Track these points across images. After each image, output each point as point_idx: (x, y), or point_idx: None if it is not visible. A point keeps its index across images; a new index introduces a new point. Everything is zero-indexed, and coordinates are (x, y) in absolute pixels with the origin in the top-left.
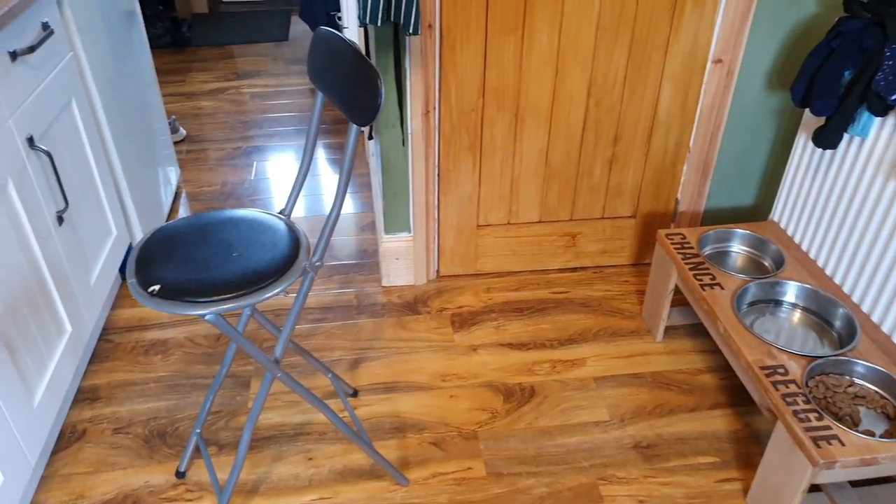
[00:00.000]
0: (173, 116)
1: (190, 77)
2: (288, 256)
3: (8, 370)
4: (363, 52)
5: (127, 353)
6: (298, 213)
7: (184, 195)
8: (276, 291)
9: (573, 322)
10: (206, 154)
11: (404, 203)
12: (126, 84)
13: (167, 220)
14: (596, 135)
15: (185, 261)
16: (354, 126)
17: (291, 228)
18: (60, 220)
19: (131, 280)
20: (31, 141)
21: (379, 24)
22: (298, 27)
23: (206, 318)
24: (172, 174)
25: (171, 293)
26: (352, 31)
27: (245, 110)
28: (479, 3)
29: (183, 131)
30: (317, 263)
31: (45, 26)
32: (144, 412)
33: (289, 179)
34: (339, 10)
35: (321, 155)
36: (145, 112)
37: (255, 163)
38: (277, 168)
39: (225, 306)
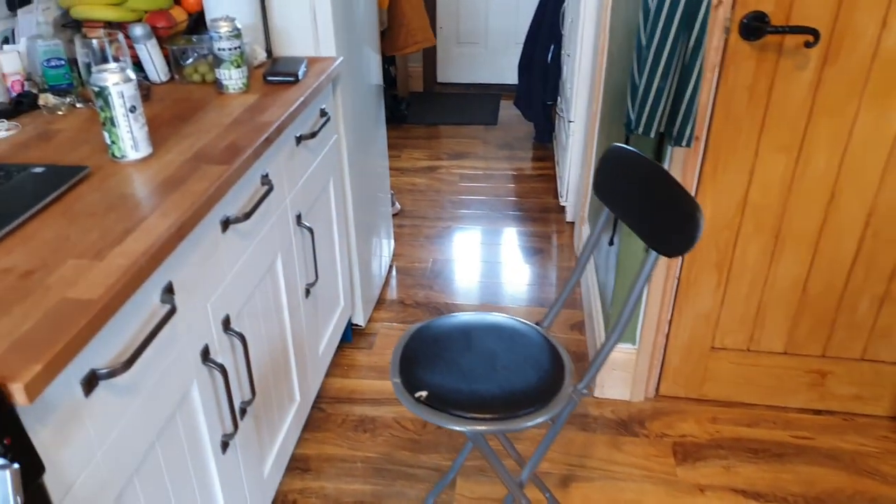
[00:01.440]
0: (391, 191)
1: (406, 153)
2: (552, 379)
3: (252, 438)
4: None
5: (337, 425)
6: (472, 295)
7: (395, 269)
8: (540, 420)
9: (820, 477)
10: (417, 230)
11: (633, 314)
12: (367, 159)
13: (380, 293)
14: (868, 268)
15: (450, 367)
16: (653, 254)
17: (552, 345)
18: (308, 292)
19: (395, 380)
20: (298, 218)
21: (652, 135)
22: (508, 112)
23: (468, 434)
24: (387, 247)
25: (438, 402)
26: (578, 125)
27: (455, 190)
28: (753, 118)
29: (398, 206)
30: (583, 391)
31: (323, 112)
32: (351, 493)
33: (495, 266)
34: (555, 101)
35: (514, 239)
36: (376, 185)
37: (463, 245)
38: (485, 252)
39: (490, 428)
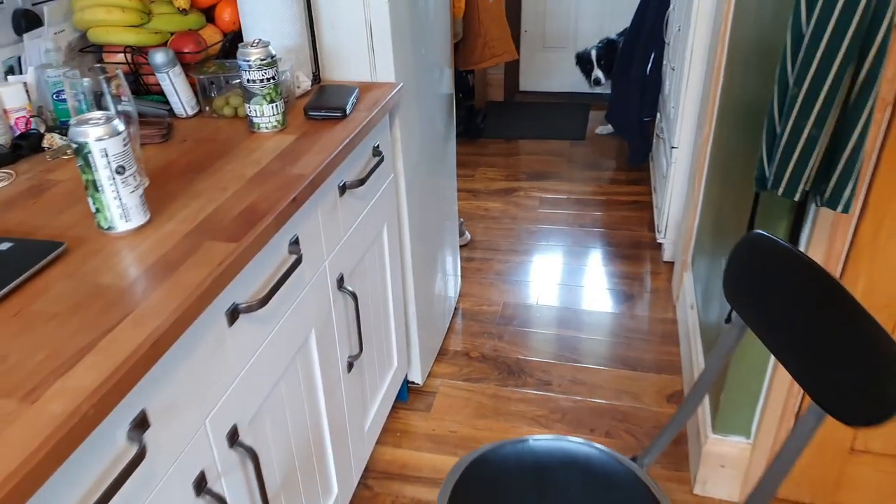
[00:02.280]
0: (461, 219)
1: (480, 172)
2: None
3: None
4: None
5: None
6: (547, 350)
7: (460, 313)
8: None
9: None
10: (488, 265)
11: (749, 401)
12: (433, 186)
13: (442, 343)
14: None
15: None
16: (815, 412)
17: (651, 493)
18: (350, 366)
19: None
20: (340, 281)
21: (797, 197)
22: (599, 126)
23: None
24: (453, 286)
25: None
26: (682, 152)
27: (534, 218)
28: None
29: (468, 235)
30: None
31: (377, 151)
32: None
33: (576, 314)
34: (653, 117)
35: (599, 280)
36: (443, 214)
37: (539, 285)
38: (565, 295)
39: None
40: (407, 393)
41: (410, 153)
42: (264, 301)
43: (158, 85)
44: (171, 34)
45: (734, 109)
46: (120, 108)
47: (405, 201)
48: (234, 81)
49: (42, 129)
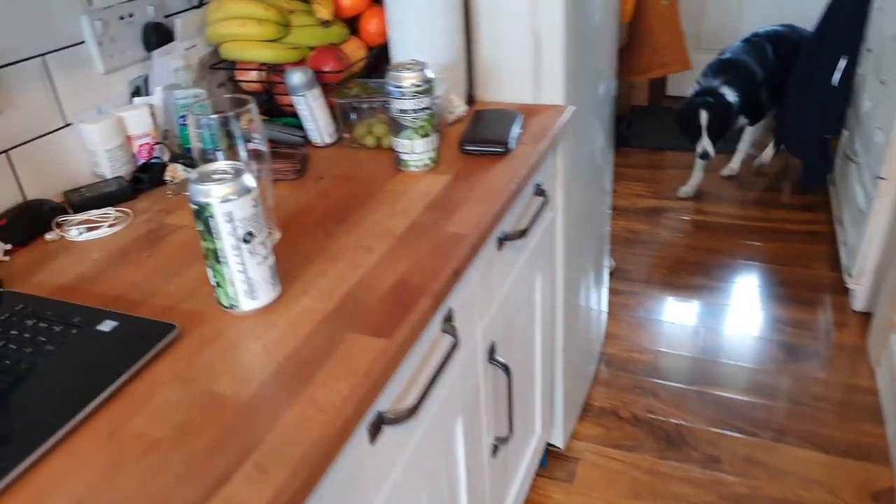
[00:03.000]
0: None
1: (623, 187)
2: None
3: None
4: None
5: None
6: (715, 414)
7: (607, 359)
8: None
9: None
10: (636, 300)
11: None
12: (587, 216)
13: (586, 397)
14: None
15: None
16: None
17: None
18: (495, 449)
19: None
20: (491, 352)
21: None
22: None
23: None
24: (598, 326)
25: None
26: (891, 185)
27: (687, 245)
28: None
29: (612, 262)
30: None
31: (540, 190)
32: None
33: (742, 373)
34: (837, 134)
35: (767, 326)
36: (594, 243)
37: (701, 331)
38: (732, 349)
39: None
40: (546, 458)
41: (571, 185)
42: (415, 409)
43: (292, 106)
44: (311, 49)
45: None
46: (251, 145)
47: (561, 243)
48: (377, 105)
49: (166, 158)
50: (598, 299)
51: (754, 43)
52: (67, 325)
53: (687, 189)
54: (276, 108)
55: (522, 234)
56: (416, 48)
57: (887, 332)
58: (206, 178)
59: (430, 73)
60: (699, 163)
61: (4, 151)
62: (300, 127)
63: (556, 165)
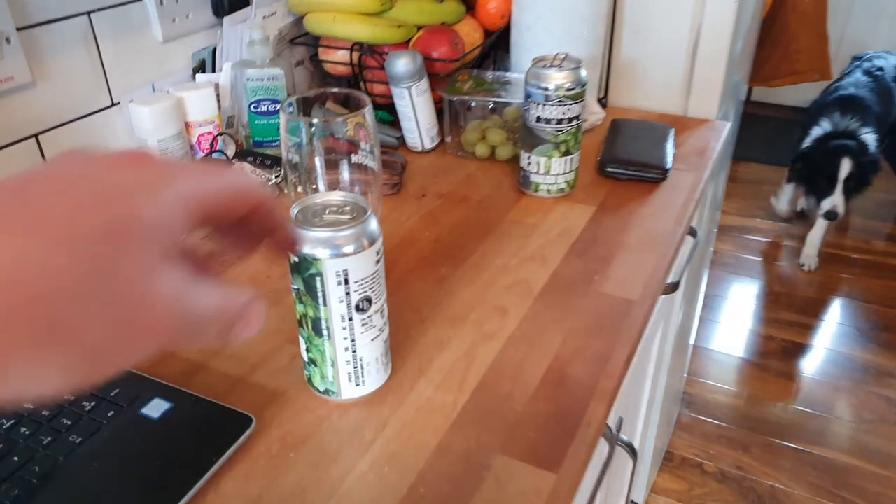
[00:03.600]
0: None
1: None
2: None
3: None
4: None
5: None
6: (820, 440)
7: (689, 399)
8: None
9: None
10: (723, 330)
11: None
12: (704, 238)
13: (668, 443)
14: None
15: None
16: None
17: None
18: None
19: None
20: (617, 430)
21: None
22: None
23: None
24: (684, 361)
25: None
26: None
27: (779, 274)
28: None
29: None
30: None
31: (693, 232)
32: None
33: (857, 437)
34: None
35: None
36: (696, 270)
37: (796, 375)
38: (843, 403)
39: None
40: None
41: (705, 212)
42: None
43: (385, 97)
44: (418, 29)
45: None
46: (356, 158)
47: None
48: (495, 105)
49: (230, 153)
50: (689, 332)
51: (878, 79)
52: (103, 400)
53: (809, 262)
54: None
55: (674, 288)
56: (547, 37)
57: None
58: (312, 217)
59: (584, 74)
60: (820, 223)
61: (34, 136)
62: (394, 125)
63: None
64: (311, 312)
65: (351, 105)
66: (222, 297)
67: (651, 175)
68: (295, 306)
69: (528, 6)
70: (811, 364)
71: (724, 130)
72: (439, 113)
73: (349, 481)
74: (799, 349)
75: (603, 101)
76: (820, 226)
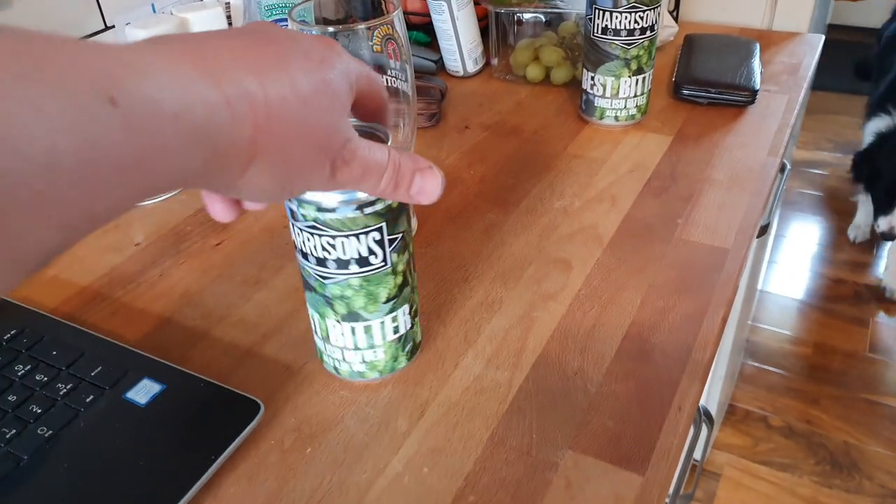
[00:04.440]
0: None
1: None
2: None
3: None
4: None
5: None
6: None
7: (752, 348)
8: None
9: None
10: (799, 278)
11: None
12: None
13: (731, 396)
14: None
15: None
16: None
17: None
18: None
19: None
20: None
21: None
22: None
23: None
24: (751, 305)
25: None
26: None
27: (846, 208)
28: None
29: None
30: None
31: (783, 167)
32: None
33: None
34: None
35: None
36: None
37: (870, 321)
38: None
39: None
40: None
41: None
42: None
43: (422, 15)
44: None
45: None
46: (392, 81)
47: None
48: (549, 20)
49: None
50: (757, 276)
51: None
52: (81, 382)
53: (856, 232)
54: None
55: (764, 231)
56: None
57: None
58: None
59: None
60: (885, 246)
61: None
62: (431, 46)
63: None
64: (320, 293)
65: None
66: (396, 153)
67: (737, 98)
68: (307, 297)
69: None
70: (885, 308)
71: (819, 44)
72: (484, 31)
73: (379, 485)
74: (871, 293)
75: (674, 15)
76: (886, 249)
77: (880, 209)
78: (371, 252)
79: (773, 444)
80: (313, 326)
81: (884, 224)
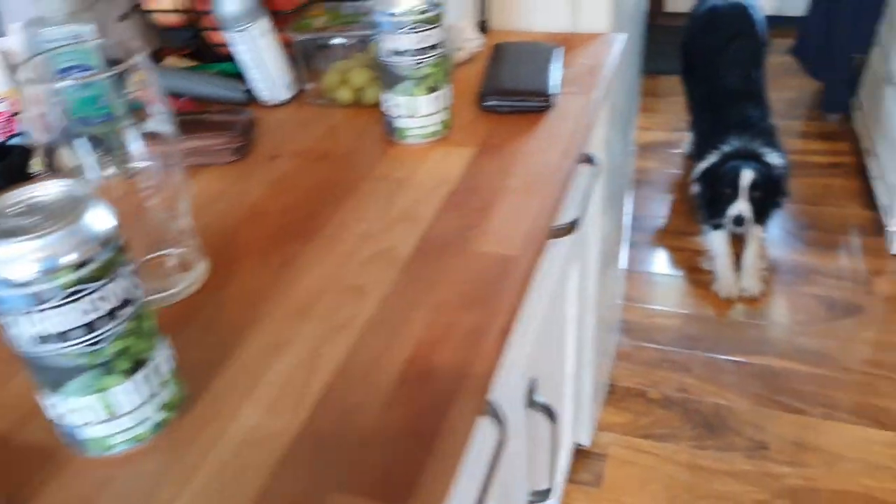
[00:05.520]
0: None
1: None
2: None
3: None
4: None
5: None
6: (753, 385)
7: (627, 327)
8: None
9: None
10: (657, 254)
11: None
12: (618, 164)
13: (610, 376)
14: None
15: None
16: None
17: None
18: None
19: None
20: (530, 394)
21: None
22: (775, 60)
23: None
24: (617, 288)
25: None
26: None
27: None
28: None
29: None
30: None
31: (586, 157)
32: None
33: (783, 337)
34: (866, 51)
35: (804, 282)
36: (618, 194)
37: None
38: (768, 308)
39: None
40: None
41: (610, 136)
42: None
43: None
44: None
45: None
46: (147, 127)
47: (600, 215)
48: (355, 42)
49: (37, 138)
50: (617, 258)
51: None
52: None
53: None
54: (207, 51)
55: (572, 227)
56: None
57: None
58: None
59: None
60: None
61: None
62: (241, 77)
63: (600, 118)
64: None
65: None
66: None
67: (533, 104)
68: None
69: None
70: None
71: (617, 43)
72: (294, 58)
73: None
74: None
75: (484, 25)
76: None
77: (714, 201)
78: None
79: (653, 417)
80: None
81: (729, 215)
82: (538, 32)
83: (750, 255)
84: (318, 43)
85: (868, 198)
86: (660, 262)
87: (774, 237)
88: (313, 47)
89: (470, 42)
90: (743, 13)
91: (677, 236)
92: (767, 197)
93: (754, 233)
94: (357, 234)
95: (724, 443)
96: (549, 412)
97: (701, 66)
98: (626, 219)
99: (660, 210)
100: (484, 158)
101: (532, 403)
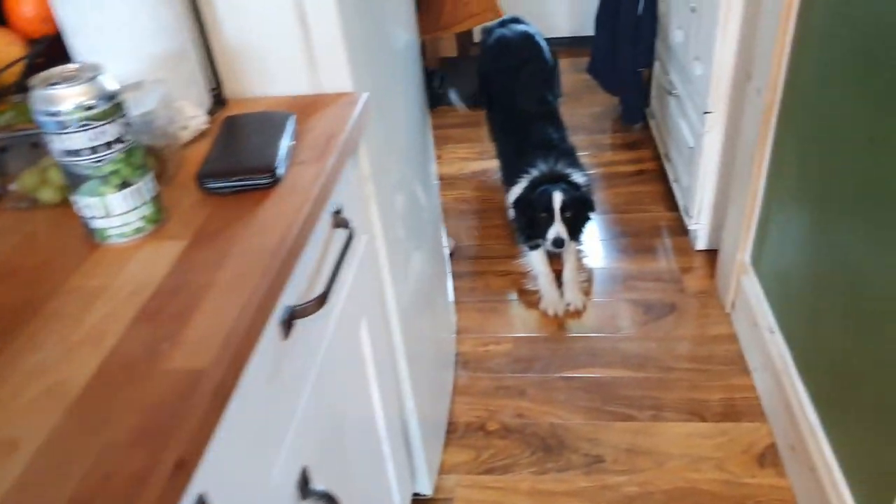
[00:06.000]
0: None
1: (447, 151)
2: None
3: None
4: None
5: None
6: (590, 400)
7: (461, 360)
8: None
9: None
10: (483, 280)
11: None
12: (411, 207)
13: (448, 414)
14: None
15: None
16: None
17: None
18: None
19: None
20: (303, 483)
21: None
22: (577, 78)
23: None
24: (448, 326)
25: None
26: (718, 117)
27: None
28: None
29: (452, 241)
30: None
31: (340, 219)
32: None
33: (613, 346)
34: (649, 66)
35: (623, 286)
36: (426, 232)
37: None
38: (593, 319)
39: None
40: None
41: (386, 187)
42: None
43: None
44: None
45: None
46: None
47: (388, 268)
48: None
49: None
50: (444, 292)
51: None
52: None
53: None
54: None
55: (322, 302)
56: (105, 39)
57: (737, 277)
58: None
59: (108, 83)
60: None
61: None
62: None
63: (363, 171)
64: None
65: None
66: None
67: (258, 181)
68: None
69: (72, 4)
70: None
71: (359, 103)
72: None
73: None
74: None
75: (219, 96)
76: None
77: (531, 227)
78: None
79: (494, 450)
80: None
81: (549, 237)
82: (279, 97)
83: (569, 269)
84: (6, 142)
85: (671, 200)
86: (487, 289)
87: (591, 248)
88: (5, 145)
89: (193, 119)
90: (530, 40)
91: (502, 261)
92: (578, 215)
93: (570, 248)
94: (26, 369)
95: (563, 462)
96: (330, 498)
97: (497, 93)
98: (445, 251)
99: (483, 237)
100: (195, 251)
101: (308, 494)
